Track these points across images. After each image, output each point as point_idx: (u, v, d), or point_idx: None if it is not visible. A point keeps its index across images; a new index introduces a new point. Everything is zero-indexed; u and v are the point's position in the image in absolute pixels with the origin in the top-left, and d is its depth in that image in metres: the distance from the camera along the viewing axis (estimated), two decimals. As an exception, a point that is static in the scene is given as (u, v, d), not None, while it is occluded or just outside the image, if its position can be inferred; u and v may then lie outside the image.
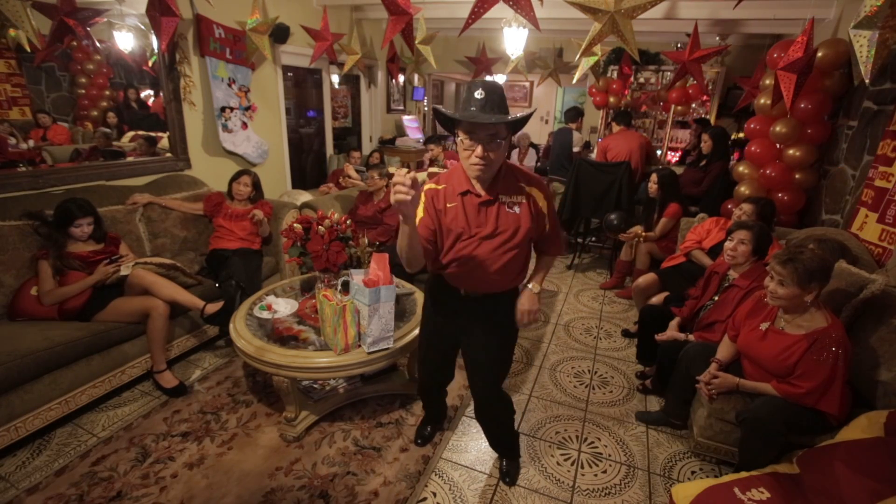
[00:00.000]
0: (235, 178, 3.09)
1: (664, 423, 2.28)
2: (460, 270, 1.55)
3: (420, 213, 1.57)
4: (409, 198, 1.16)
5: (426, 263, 1.59)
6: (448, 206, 1.51)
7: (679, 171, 4.64)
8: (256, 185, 3.15)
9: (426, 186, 1.57)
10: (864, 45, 2.29)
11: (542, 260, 1.73)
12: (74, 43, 2.65)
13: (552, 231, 1.62)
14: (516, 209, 1.50)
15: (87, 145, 2.88)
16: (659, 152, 5.89)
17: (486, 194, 1.48)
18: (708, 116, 5.94)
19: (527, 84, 9.06)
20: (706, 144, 4.04)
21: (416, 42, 3.97)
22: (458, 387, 2.45)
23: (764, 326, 1.86)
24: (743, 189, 3.39)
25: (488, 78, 6.53)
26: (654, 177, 3.45)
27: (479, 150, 1.36)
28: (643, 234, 3.52)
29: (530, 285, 1.68)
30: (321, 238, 2.21)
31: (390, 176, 3.96)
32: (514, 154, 6.30)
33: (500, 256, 1.51)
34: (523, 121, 1.41)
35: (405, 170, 1.21)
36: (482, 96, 1.34)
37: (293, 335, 2.07)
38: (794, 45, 2.71)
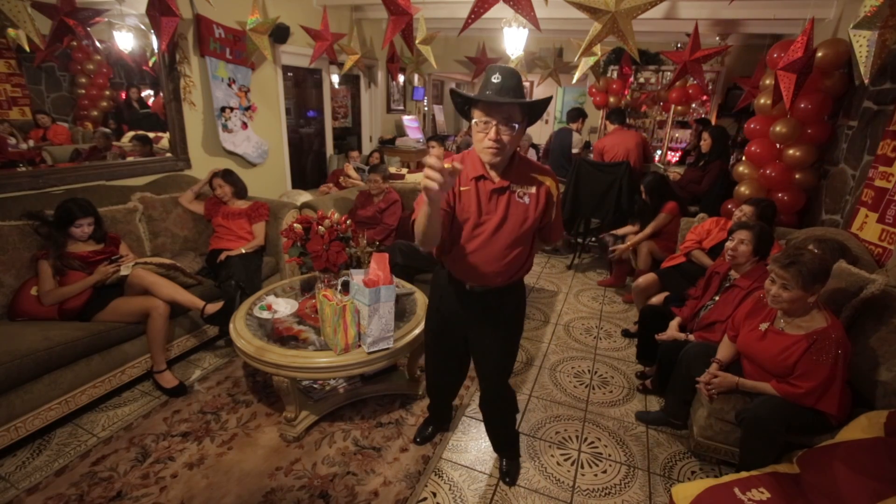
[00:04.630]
0: (209, 183, 3.07)
1: (664, 423, 2.28)
2: (466, 259, 1.55)
3: None
4: (437, 187, 1.14)
5: (434, 250, 1.61)
6: (462, 189, 1.52)
7: (680, 171, 4.64)
8: (232, 181, 3.07)
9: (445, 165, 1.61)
10: (863, 46, 2.29)
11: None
12: (74, 43, 2.65)
13: (556, 220, 1.61)
14: (526, 199, 1.51)
15: (87, 145, 2.88)
16: (659, 152, 5.89)
17: (499, 181, 1.49)
18: (708, 116, 5.94)
19: (527, 84, 9.06)
20: (706, 143, 4.06)
21: (416, 42, 3.97)
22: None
23: (763, 327, 1.86)
24: (743, 189, 3.39)
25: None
26: (641, 188, 3.48)
27: (492, 132, 1.38)
28: (635, 238, 3.51)
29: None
30: (321, 238, 2.21)
31: (391, 176, 3.97)
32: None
33: (505, 247, 1.52)
34: (539, 106, 1.42)
35: (440, 150, 1.18)
36: (499, 80, 1.37)
37: (293, 335, 2.07)
38: (794, 45, 2.71)
